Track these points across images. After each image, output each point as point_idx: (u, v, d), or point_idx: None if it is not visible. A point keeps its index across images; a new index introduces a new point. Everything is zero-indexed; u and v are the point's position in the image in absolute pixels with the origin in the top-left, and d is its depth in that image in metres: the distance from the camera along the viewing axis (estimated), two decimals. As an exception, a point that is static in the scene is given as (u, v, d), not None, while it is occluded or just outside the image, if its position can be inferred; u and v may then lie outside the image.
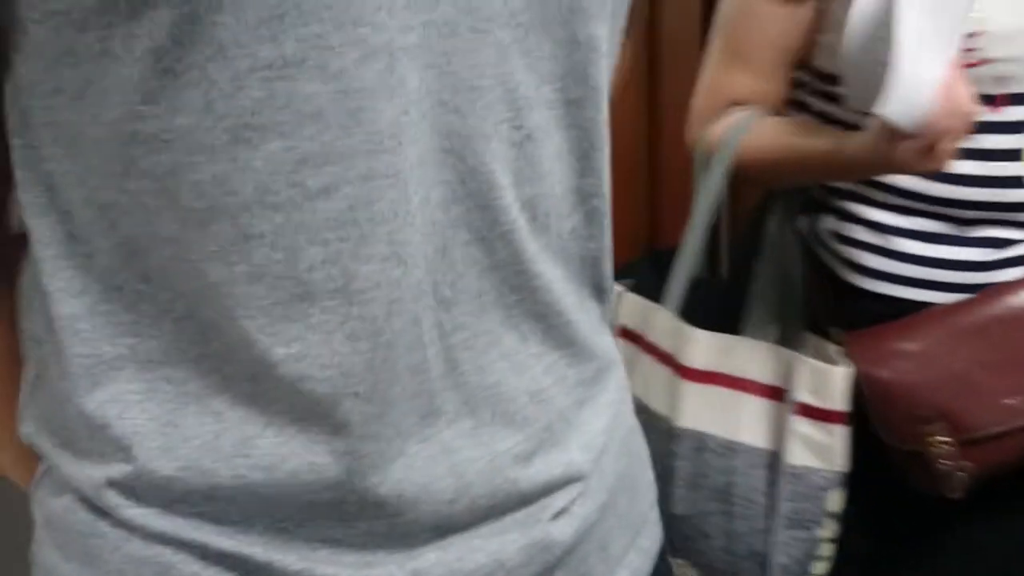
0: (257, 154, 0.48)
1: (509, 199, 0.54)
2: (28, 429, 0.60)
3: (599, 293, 0.63)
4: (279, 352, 0.51)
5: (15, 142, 0.53)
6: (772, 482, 1.00)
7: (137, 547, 0.54)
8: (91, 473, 0.55)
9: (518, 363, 0.57)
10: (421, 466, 0.54)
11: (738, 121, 1.03)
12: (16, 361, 0.60)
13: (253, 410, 0.53)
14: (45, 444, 0.59)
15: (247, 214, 0.49)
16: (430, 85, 0.50)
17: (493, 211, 0.54)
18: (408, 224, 0.51)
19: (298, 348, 0.51)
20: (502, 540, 0.58)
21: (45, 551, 0.59)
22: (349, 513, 0.54)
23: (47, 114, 0.50)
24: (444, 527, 0.56)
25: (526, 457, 0.58)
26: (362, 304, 0.50)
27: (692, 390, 1.02)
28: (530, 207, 0.56)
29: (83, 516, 0.56)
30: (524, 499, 0.58)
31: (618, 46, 0.61)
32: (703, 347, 1.02)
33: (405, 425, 0.53)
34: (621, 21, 0.60)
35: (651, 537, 0.69)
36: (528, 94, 0.54)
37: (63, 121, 0.50)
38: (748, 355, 1.01)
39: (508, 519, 0.58)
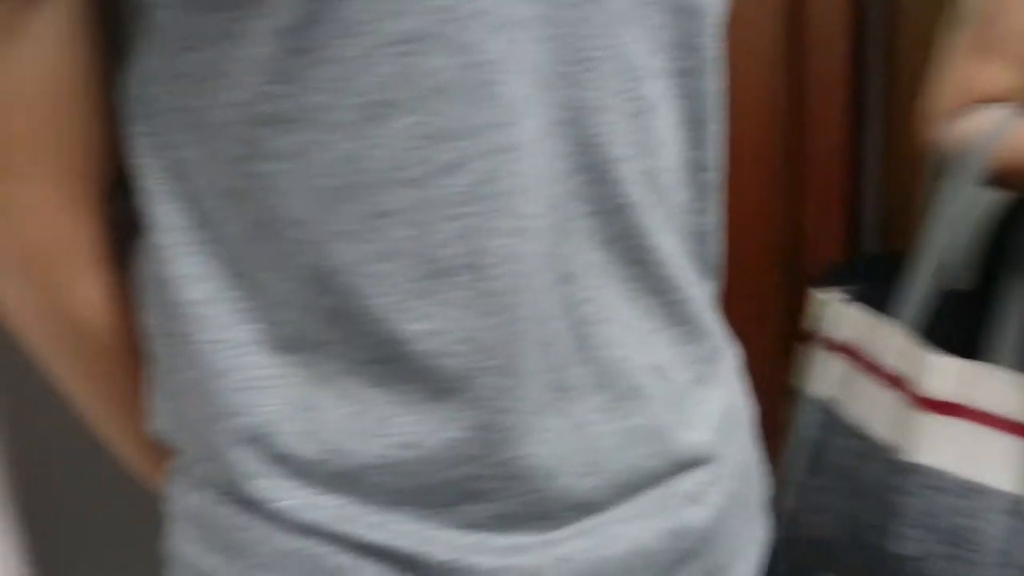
0: (388, 130, 0.48)
1: (626, 171, 0.54)
2: (158, 426, 0.59)
3: (707, 270, 0.63)
4: (413, 328, 0.51)
5: (137, 129, 0.52)
6: (1014, 529, 0.89)
7: (284, 540, 0.54)
8: (232, 465, 0.54)
9: (641, 338, 0.57)
10: (555, 440, 0.54)
11: (998, 119, 0.91)
12: (136, 356, 0.59)
13: (388, 390, 0.52)
14: (179, 438, 0.57)
15: (379, 191, 0.49)
16: (548, 56, 0.50)
17: (610, 183, 0.53)
18: (531, 198, 0.50)
19: (432, 324, 0.51)
20: (641, 526, 0.57)
21: (185, 544, 0.58)
22: (487, 490, 0.54)
23: (173, 99, 0.50)
24: (581, 507, 0.56)
25: (654, 433, 0.58)
26: (492, 279, 0.50)
27: (930, 422, 0.91)
28: (647, 179, 0.55)
29: (226, 509, 0.55)
30: (655, 477, 0.58)
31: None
32: (947, 374, 0.91)
33: (538, 399, 0.53)
34: None
35: (765, 529, 0.69)
36: (642, 64, 0.53)
37: (189, 106, 0.50)
38: (999, 387, 0.90)
39: (642, 500, 0.58)
